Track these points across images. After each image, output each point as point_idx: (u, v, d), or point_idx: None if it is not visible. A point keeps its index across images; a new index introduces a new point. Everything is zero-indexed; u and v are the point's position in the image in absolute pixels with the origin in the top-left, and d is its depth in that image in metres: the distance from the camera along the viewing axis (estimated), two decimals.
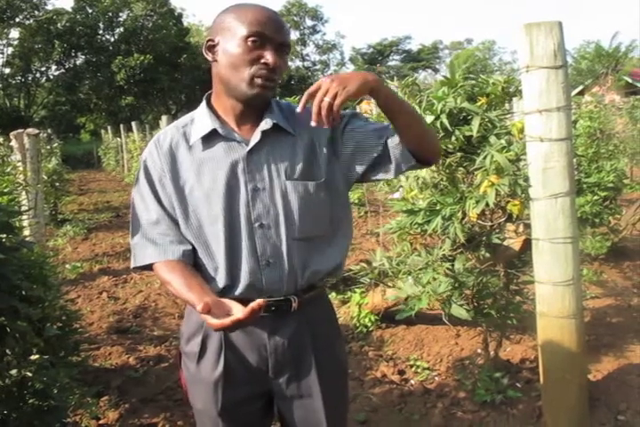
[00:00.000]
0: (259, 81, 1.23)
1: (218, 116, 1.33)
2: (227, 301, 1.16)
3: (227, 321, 1.09)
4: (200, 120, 1.33)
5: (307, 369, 1.40)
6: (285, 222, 1.30)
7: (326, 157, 1.35)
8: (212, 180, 1.29)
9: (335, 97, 1.15)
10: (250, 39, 1.22)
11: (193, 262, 1.34)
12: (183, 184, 1.32)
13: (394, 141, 1.33)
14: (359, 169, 1.37)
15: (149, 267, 1.35)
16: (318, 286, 1.41)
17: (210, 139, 1.31)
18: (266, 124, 1.30)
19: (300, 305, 1.34)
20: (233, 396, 1.38)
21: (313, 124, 1.18)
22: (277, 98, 1.44)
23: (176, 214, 1.33)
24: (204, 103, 1.36)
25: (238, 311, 1.11)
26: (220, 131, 1.30)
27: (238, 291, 1.31)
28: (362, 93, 1.20)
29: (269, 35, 1.22)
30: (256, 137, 1.29)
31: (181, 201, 1.32)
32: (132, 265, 1.38)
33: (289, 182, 1.30)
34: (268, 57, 1.22)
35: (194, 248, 1.34)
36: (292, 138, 1.33)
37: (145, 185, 1.35)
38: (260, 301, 1.09)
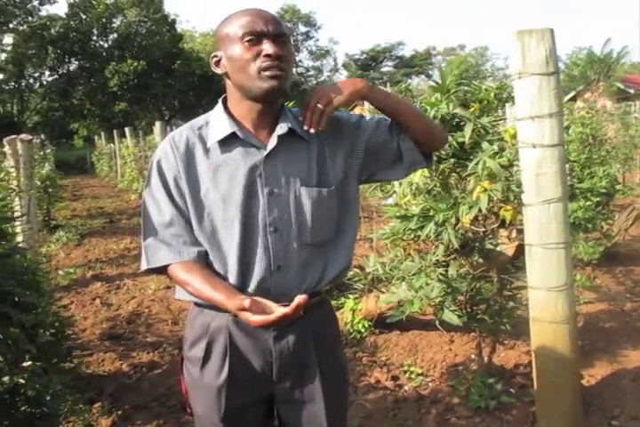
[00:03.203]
0: (267, 73, 1.25)
1: (235, 120, 1.33)
2: (259, 299, 1.17)
3: (272, 317, 1.10)
4: (217, 123, 1.33)
5: (311, 374, 1.40)
6: (298, 228, 1.31)
7: (339, 162, 1.37)
8: (230, 183, 1.29)
9: (327, 104, 1.29)
10: (245, 39, 1.25)
11: (207, 263, 1.33)
12: (199, 187, 1.31)
13: (408, 145, 1.40)
14: (370, 169, 1.43)
15: (161, 269, 1.33)
16: (322, 291, 1.42)
17: (228, 142, 1.31)
18: (281, 128, 1.31)
19: (305, 310, 1.34)
20: (236, 401, 1.37)
21: (305, 127, 1.30)
22: None
23: (189, 216, 1.32)
24: (220, 107, 1.36)
25: (277, 308, 1.12)
26: (239, 134, 1.29)
27: (246, 294, 1.30)
28: (352, 101, 1.33)
29: (262, 29, 1.25)
30: (273, 142, 1.30)
31: (196, 204, 1.31)
32: (143, 267, 1.35)
33: (303, 188, 1.31)
34: (268, 48, 1.24)
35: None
36: (305, 144, 1.35)
37: (158, 186, 1.33)
38: (304, 296, 1.10)
